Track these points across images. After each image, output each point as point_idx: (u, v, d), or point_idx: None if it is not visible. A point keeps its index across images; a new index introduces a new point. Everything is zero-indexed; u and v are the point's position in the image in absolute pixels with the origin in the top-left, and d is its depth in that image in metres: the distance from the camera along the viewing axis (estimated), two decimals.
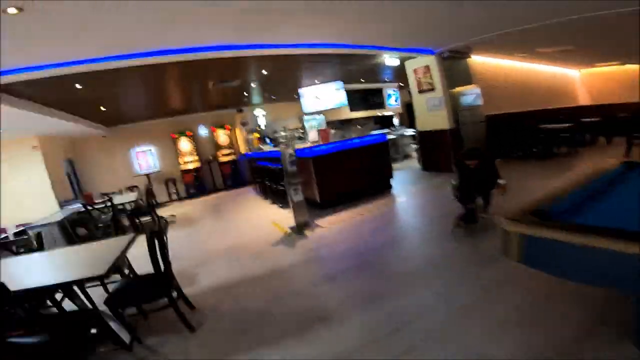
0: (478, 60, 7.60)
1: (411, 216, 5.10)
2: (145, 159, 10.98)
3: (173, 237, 6.19)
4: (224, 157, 11.38)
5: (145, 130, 10.81)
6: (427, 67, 7.12)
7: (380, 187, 6.52)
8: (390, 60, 7.26)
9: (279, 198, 6.83)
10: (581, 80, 11.82)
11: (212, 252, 4.84)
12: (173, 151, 10.93)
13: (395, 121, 11.87)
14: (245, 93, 9.36)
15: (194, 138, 11.12)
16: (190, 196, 10.93)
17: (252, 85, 8.30)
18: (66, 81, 5.05)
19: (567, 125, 8.04)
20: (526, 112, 9.06)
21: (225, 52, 5.04)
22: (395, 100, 12.19)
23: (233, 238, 5.33)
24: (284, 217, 5.80)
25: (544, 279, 2.45)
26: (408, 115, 13.18)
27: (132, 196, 7.32)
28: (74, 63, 4.38)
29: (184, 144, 11.01)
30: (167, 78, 6.41)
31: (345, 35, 5.44)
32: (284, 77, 8.04)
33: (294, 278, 3.49)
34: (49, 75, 4.40)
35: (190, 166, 10.97)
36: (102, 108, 7.60)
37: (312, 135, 6.11)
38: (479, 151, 4.24)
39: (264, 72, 6.97)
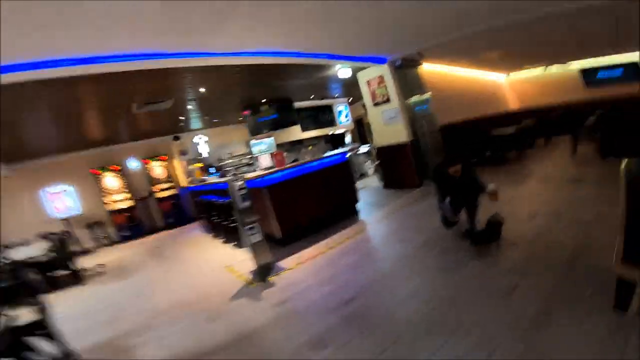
0: (427, 69, 7.50)
1: (390, 244, 4.38)
2: (62, 200, 9.14)
3: (102, 293, 4.90)
4: (162, 192, 9.95)
5: (58, 167, 9.03)
6: (381, 77, 6.79)
7: (346, 213, 5.84)
8: (343, 71, 6.83)
9: (232, 235, 5.81)
10: (509, 85, 12.62)
11: (155, 312, 3.71)
12: (96, 189, 9.25)
13: (348, 138, 11.52)
14: (180, 117, 8.26)
15: (123, 173, 9.58)
16: (124, 239, 9.27)
17: (189, 106, 7.28)
18: None
19: (515, 129, 8.25)
20: (475, 119, 9.22)
21: (147, 62, 4.09)
22: (346, 117, 11.88)
23: (181, 291, 4.21)
24: (241, 259, 4.83)
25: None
26: (359, 131, 13.00)
27: (40, 247, 5.73)
28: None
29: (110, 181, 9.41)
30: (79, 99, 5.17)
31: (293, 42, 4.83)
32: (225, 95, 7.16)
33: (270, 346, 2.58)
34: None
35: (122, 205, 9.37)
36: None
37: (264, 161, 5.28)
38: (460, 155, 3.79)
39: (201, 89, 6.06)
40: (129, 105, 6.01)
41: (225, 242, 6.19)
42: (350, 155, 9.60)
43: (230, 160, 10.58)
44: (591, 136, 6.86)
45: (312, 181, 5.34)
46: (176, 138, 10.04)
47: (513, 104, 12.51)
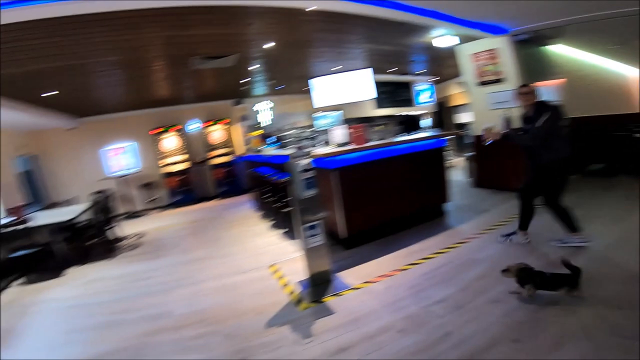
0: (557, 50, 5.63)
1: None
2: (119, 158, 9.03)
3: (119, 277, 4.05)
4: (218, 158, 9.40)
5: (120, 124, 8.86)
6: (494, 52, 5.18)
7: (431, 214, 4.52)
8: (445, 39, 5.35)
9: (282, 220, 4.88)
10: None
11: (159, 326, 2.78)
12: (154, 150, 8.96)
13: (427, 122, 9.86)
14: (244, 79, 7.38)
15: (182, 134, 9.16)
16: (173, 204, 8.95)
17: (252, 67, 6.32)
18: None
19: None
20: (612, 116, 7.02)
21: None
22: (430, 97, 10.17)
23: (206, 294, 3.30)
24: (290, 256, 3.85)
25: None
26: (439, 115, 11.22)
27: (79, 210, 5.28)
28: None
29: (169, 142, 9.04)
30: (140, 47, 4.39)
31: None
32: (293, 56, 6.04)
33: None
34: None
35: (177, 168, 8.99)
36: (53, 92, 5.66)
37: (337, 136, 4.07)
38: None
39: (268, 43, 5.00)
40: (189, 59, 5.17)
41: (274, 226, 5.29)
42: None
43: (292, 132, 9.65)
44: None
45: (396, 168, 4.08)
46: (238, 102, 9.31)
47: None
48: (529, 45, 5.12)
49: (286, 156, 3.18)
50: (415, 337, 2.18)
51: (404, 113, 10.03)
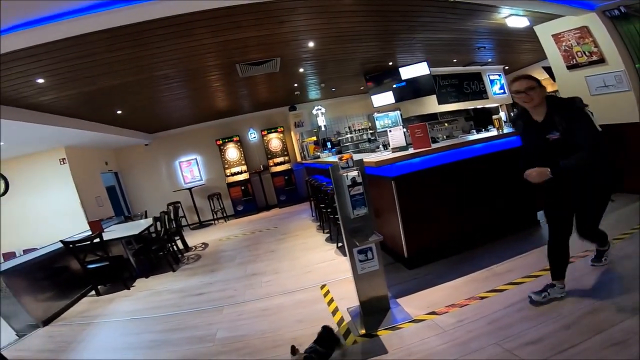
0: None
1: None
2: (191, 169, 9.59)
3: (176, 290, 4.13)
4: (277, 166, 9.43)
5: (188, 137, 9.42)
6: (585, 30, 4.25)
7: (520, 226, 3.68)
8: (518, 20, 4.63)
9: (338, 232, 4.51)
10: None
11: (199, 350, 2.65)
12: (219, 160, 9.33)
13: (502, 115, 8.68)
14: (295, 84, 7.23)
15: (242, 144, 9.39)
16: (237, 214, 9.17)
17: (301, 69, 6.09)
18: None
19: None
20: None
21: None
22: (501, 88, 8.99)
23: (250, 317, 3.07)
24: (343, 275, 3.45)
25: None
26: (514, 108, 9.86)
27: (147, 223, 5.59)
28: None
29: (232, 152, 9.33)
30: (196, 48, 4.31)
31: None
32: (342, 54, 5.65)
33: None
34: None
35: (239, 178, 9.22)
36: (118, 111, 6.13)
37: (396, 137, 3.53)
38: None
39: (310, 43, 4.69)
40: (236, 66, 5.12)
41: (330, 239, 4.96)
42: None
43: (349, 135, 9.28)
44: None
45: (471, 172, 3.45)
46: (292, 108, 9.26)
47: None
48: (626, 22, 4.12)
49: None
50: None
51: (478, 107, 9.01)
